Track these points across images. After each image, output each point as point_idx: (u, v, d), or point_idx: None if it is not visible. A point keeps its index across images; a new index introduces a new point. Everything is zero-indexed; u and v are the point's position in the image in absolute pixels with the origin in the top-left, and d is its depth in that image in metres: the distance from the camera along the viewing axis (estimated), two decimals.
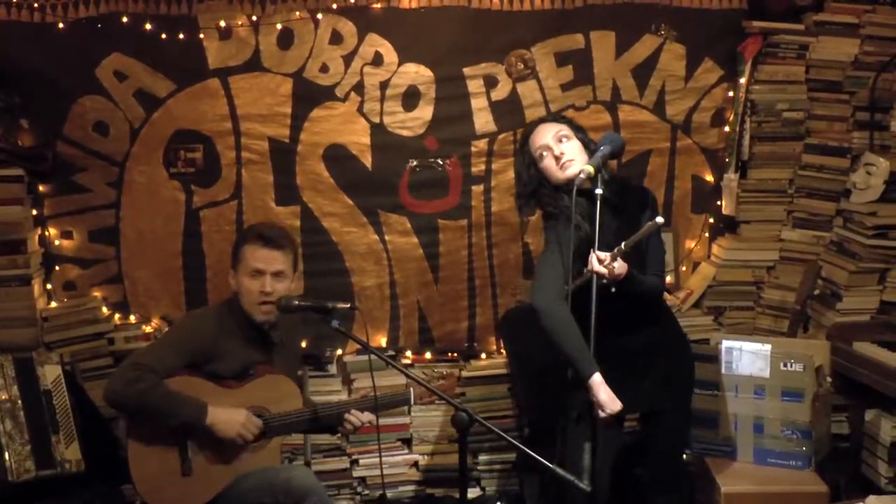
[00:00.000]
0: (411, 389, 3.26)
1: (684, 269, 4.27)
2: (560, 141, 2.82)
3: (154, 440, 2.95)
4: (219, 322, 3.11)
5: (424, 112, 4.01)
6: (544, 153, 2.83)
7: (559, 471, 2.37)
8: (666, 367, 2.99)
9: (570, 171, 2.76)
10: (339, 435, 3.99)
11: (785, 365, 3.51)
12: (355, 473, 4.07)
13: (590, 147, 2.84)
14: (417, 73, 3.97)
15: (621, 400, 2.66)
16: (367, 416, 3.15)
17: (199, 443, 2.99)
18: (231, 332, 3.10)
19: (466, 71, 3.99)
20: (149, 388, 2.89)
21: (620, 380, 2.73)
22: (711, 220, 4.22)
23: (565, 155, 2.79)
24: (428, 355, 4.18)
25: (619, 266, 2.64)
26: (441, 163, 4.06)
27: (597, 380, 2.67)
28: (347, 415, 3.14)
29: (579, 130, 2.91)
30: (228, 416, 2.97)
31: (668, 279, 3.51)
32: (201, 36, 3.87)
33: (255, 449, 3.06)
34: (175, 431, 2.95)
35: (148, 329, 4.02)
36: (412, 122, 4.02)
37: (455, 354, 4.20)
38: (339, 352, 4.14)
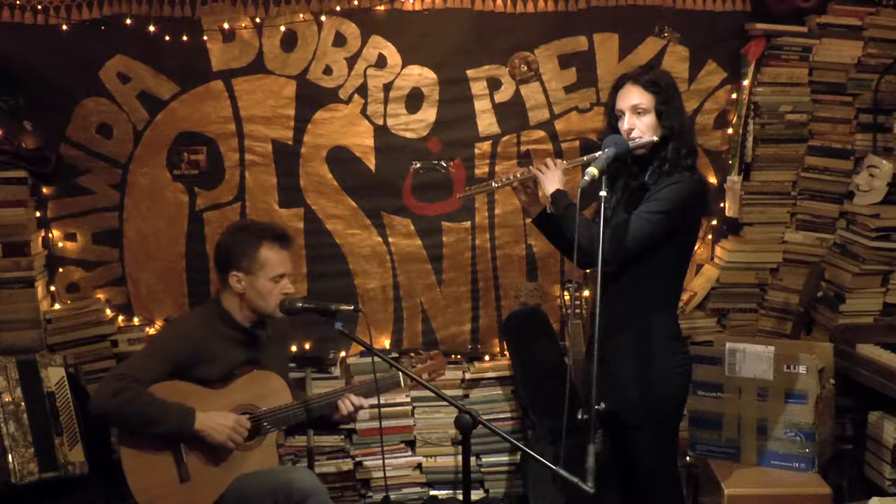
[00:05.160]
0: (400, 373, 3.18)
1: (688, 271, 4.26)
2: (635, 113, 2.84)
3: (147, 448, 2.93)
4: (204, 326, 3.09)
5: (428, 114, 4.02)
6: (620, 116, 2.88)
7: (563, 472, 2.37)
8: (645, 386, 2.86)
9: (633, 144, 2.81)
10: (342, 436, 4.00)
11: (788, 367, 3.51)
12: (359, 476, 4.07)
13: (663, 119, 2.83)
14: (421, 76, 3.98)
15: (601, 389, 2.57)
16: (359, 400, 3.12)
17: (192, 446, 2.97)
18: (217, 334, 3.08)
19: (470, 73, 4.00)
20: (133, 398, 2.86)
21: (607, 365, 2.68)
22: (714, 223, 4.22)
23: (633, 131, 2.83)
24: None
25: (553, 176, 2.83)
26: (444, 165, 4.06)
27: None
28: (339, 402, 3.11)
29: (664, 102, 2.83)
30: (216, 421, 2.94)
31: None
32: (205, 38, 3.87)
33: (250, 448, 3.04)
34: (166, 438, 2.93)
35: (151, 331, 4.02)
36: (415, 124, 4.02)
37: (458, 356, 4.20)
38: (343, 354, 4.14)
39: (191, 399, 2.96)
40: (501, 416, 4.13)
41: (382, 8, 3.91)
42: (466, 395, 4.13)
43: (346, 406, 3.11)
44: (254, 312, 3.11)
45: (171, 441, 2.95)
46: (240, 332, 3.11)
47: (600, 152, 2.70)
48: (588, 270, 3.96)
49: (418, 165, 4.05)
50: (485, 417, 2.57)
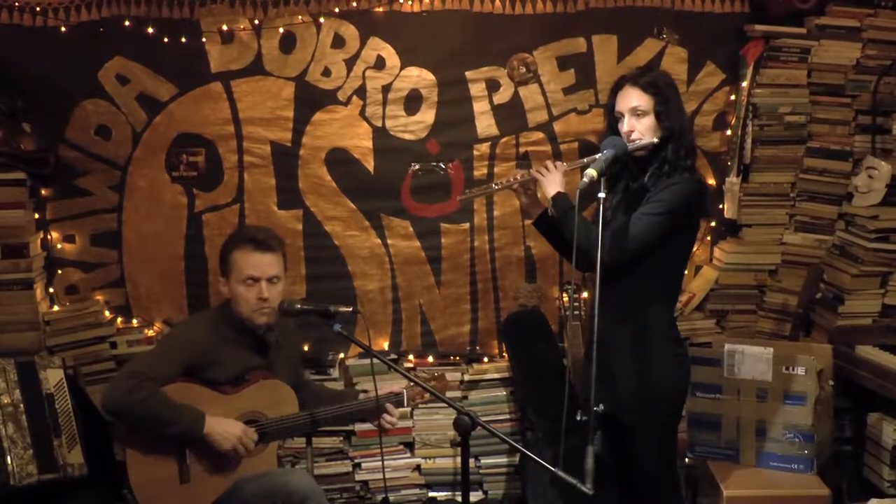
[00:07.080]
0: (404, 391, 3.24)
1: (686, 272, 4.26)
2: (634, 115, 2.83)
3: (152, 446, 2.93)
4: (214, 328, 3.08)
5: (426, 116, 4.02)
6: (620, 118, 2.87)
7: (562, 474, 2.37)
8: (644, 386, 2.86)
9: (633, 146, 2.81)
10: (341, 437, 4.00)
11: (787, 368, 3.51)
12: (358, 477, 4.07)
13: (662, 120, 2.82)
14: (420, 77, 3.98)
15: (599, 389, 2.57)
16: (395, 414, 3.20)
17: (197, 449, 2.96)
18: (226, 337, 3.07)
19: (468, 75, 4.00)
20: (147, 397, 2.86)
21: (602, 364, 2.69)
22: (713, 224, 4.22)
23: (633, 133, 2.82)
24: (430, 359, 4.18)
25: (554, 178, 2.83)
26: (443, 166, 4.06)
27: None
28: (387, 412, 3.17)
29: (663, 103, 2.82)
30: (225, 428, 2.93)
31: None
32: (203, 39, 3.87)
33: (252, 454, 3.03)
34: (173, 439, 2.93)
35: (150, 333, 4.02)
36: (414, 125, 4.03)
37: (457, 358, 4.20)
38: (342, 355, 4.14)
39: (201, 402, 2.95)
40: (500, 417, 4.13)
41: (381, 9, 3.91)
42: (465, 397, 4.13)
43: (390, 419, 3.18)
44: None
45: (177, 442, 2.94)
46: (248, 336, 3.10)
47: (600, 154, 2.71)
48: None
49: (417, 167, 4.05)
50: (484, 419, 2.56)
